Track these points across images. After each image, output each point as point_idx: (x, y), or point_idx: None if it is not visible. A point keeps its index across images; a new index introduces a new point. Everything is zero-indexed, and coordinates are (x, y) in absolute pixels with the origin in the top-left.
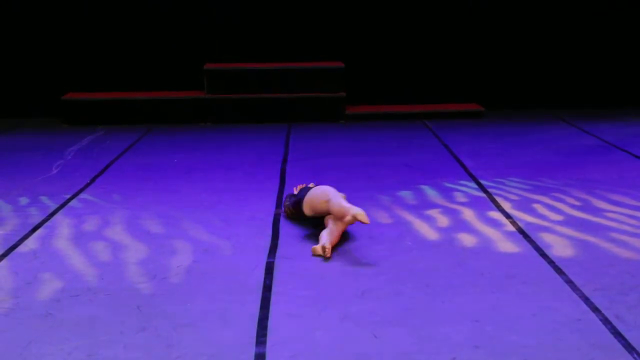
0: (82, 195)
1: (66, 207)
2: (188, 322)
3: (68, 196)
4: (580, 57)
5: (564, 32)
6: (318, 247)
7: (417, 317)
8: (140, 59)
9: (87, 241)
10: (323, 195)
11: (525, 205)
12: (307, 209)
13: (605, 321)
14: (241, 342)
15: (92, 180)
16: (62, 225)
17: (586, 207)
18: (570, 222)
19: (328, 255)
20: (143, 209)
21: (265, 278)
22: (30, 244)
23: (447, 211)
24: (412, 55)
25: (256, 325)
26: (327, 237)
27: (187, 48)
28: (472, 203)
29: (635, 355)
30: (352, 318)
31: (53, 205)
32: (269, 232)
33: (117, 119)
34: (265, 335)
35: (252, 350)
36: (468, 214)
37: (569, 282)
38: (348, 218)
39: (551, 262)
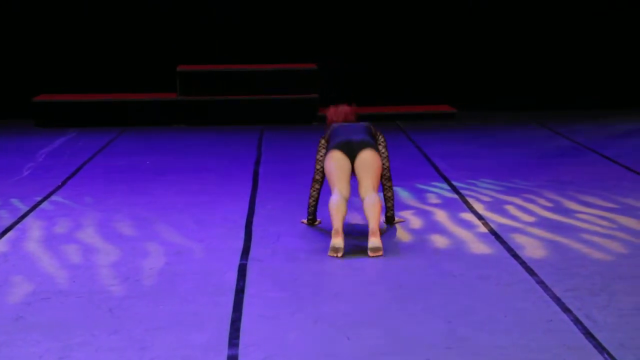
0: (54, 198)
1: (37, 209)
2: (161, 325)
3: (39, 198)
4: (552, 60)
5: (535, 35)
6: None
7: (390, 318)
8: (112, 60)
9: (58, 244)
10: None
11: (497, 206)
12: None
13: (577, 321)
14: (214, 344)
15: (64, 182)
16: (33, 227)
17: (558, 209)
18: (542, 223)
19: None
20: (115, 211)
21: (238, 280)
22: (1, 246)
23: (420, 213)
24: (384, 57)
25: (229, 327)
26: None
27: (159, 50)
28: (445, 204)
29: (606, 356)
30: (325, 319)
31: (24, 208)
32: (242, 234)
33: (90, 120)
34: (238, 337)
35: (225, 352)
36: (440, 216)
37: (541, 283)
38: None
39: (523, 263)
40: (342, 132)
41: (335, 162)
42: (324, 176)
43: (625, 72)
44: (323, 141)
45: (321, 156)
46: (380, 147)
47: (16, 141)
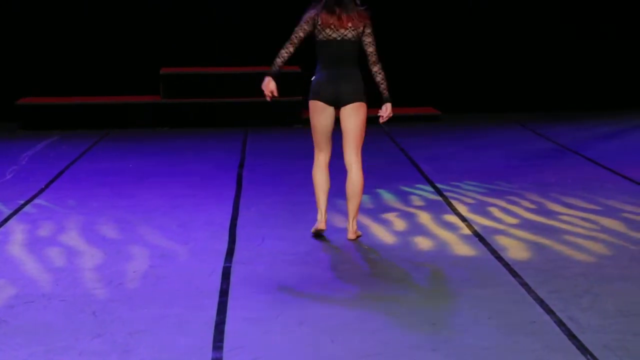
0: (37, 201)
1: (20, 212)
2: (144, 328)
3: (22, 202)
4: (535, 63)
5: (518, 39)
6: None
7: (374, 320)
8: (96, 63)
9: (41, 247)
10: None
11: (480, 208)
12: None
13: (560, 323)
14: (198, 347)
15: (47, 185)
16: (16, 231)
17: (541, 210)
18: (525, 225)
19: None
20: (99, 214)
21: (222, 283)
22: None
23: (404, 215)
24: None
25: (213, 330)
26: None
27: (143, 53)
28: (429, 207)
29: (589, 357)
30: (309, 322)
31: (7, 211)
32: (226, 237)
33: (73, 123)
34: (222, 340)
35: (209, 355)
36: (424, 218)
37: (524, 285)
38: None
39: (506, 265)
40: (327, 61)
41: (318, 121)
42: (300, 41)
43: (606, 76)
44: (310, 21)
45: (304, 23)
46: (366, 39)
47: None
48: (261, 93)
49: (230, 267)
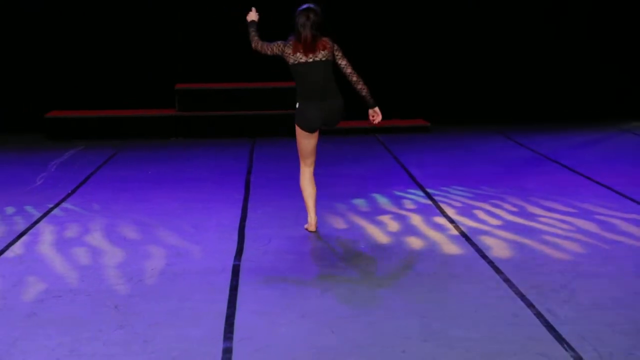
0: (64, 205)
1: (49, 215)
2: (162, 320)
3: (51, 205)
4: (517, 78)
5: (502, 53)
6: None
7: (371, 314)
8: (117, 80)
9: (68, 247)
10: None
11: (467, 211)
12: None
13: (539, 315)
14: (210, 338)
15: (73, 190)
16: (46, 232)
17: (522, 213)
18: (507, 226)
19: None
20: (120, 216)
21: (232, 279)
22: (16, 249)
23: (397, 217)
24: (364, 74)
25: (224, 322)
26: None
27: (160, 70)
28: (420, 209)
29: (565, 346)
30: (312, 315)
31: (37, 214)
32: (235, 237)
33: (97, 134)
34: (232, 331)
35: (220, 345)
36: (416, 220)
37: (507, 281)
38: None
39: (491, 263)
40: (306, 86)
41: (303, 144)
42: (269, 47)
43: (581, 88)
44: (281, 46)
45: (273, 46)
46: (341, 62)
47: (29, 154)
48: (267, 107)
49: (239, 264)
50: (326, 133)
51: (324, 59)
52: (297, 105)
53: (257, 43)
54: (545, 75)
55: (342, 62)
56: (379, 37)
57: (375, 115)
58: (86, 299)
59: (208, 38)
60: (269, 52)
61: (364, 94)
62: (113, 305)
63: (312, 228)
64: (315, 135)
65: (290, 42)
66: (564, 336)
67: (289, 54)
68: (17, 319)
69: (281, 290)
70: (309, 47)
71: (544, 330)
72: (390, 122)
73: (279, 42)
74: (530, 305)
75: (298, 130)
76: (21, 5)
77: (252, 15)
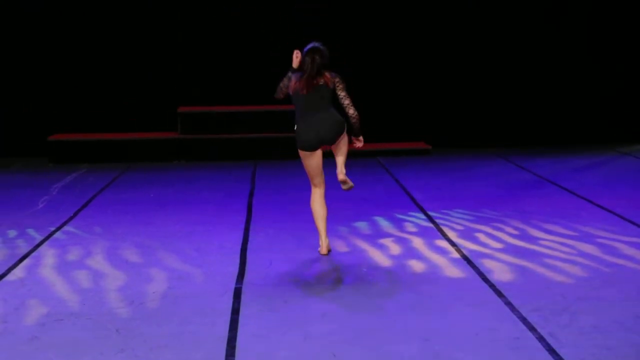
0: (66, 228)
1: (51, 238)
2: (163, 344)
3: (53, 229)
4: (518, 100)
5: (503, 77)
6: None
7: (372, 337)
8: (119, 103)
9: (70, 270)
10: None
11: (468, 234)
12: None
13: (541, 339)
14: None
15: (76, 213)
16: (47, 255)
17: (523, 236)
18: (509, 249)
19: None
20: (122, 239)
21: (233, 302)
22: (18, 272)
23: (399, 240)
24: (366, 98)
25: (225, 346)
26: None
27: (162, 94)
28: (421, 232)
29: None
30: (313, 338)
31: (39, 237)
32: (237, 260)
33: (99, 157)
34: (233, 354)
35: None
36: (417, 243)
37: (508, 304)
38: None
39: (492, 286)
40: (303, 109)
41: (308, 165)
42: (279, 94)
43: (582, 112)
44: (286, 82)
45: (283, 84)
46: (340, 93)
47: (32, 177)
48: (270, 130)
49: (241, 287)
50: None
51: (321, 87)
52: (295, 128)
53: (277, 94)
54: (545, 99)
55: (341, 94)
56: (381, 61)
57: (358, 142)
58: (87, 322)
59: (210, 62)
60: (282, 96)
61: (353, 121)
62: (114, 329)
63: (323, 251)
64: (318, 154)
65: (292, 77)
66: (565, 359)
67: (290, 86)
68: (19, 343)
69: (283, 313)
70: (309, 85)
71: (545, 353)
72: (392, 145)
73: (285, 81)
74: (531, 328)
75: (300, 152)
76: (25, 28)
77: (295, 62)
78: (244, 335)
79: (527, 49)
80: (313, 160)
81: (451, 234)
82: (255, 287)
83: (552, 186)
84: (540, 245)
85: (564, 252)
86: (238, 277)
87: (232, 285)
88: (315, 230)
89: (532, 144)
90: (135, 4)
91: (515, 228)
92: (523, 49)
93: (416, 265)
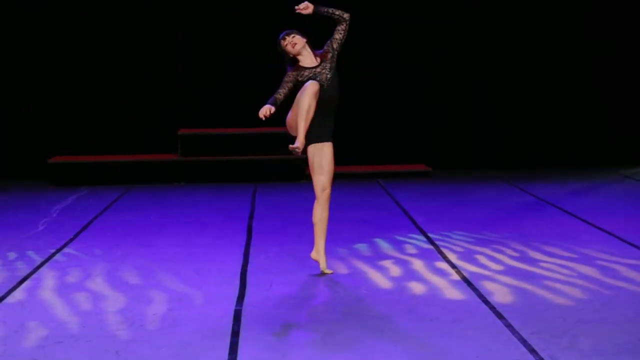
0: (66, 250)
1: (51, 260)
2: None
3: (53, 251)
4: (520, 123)
5: (504, 99)
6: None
7: (373, 359)
8: (120, 125)
9: (70, 292)
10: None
11: (468, 256)
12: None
13: None
14: None
15: (75, 235)
16: (47, 277)
17: (523, 258)
18: (509, 271)
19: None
20: (122, 261)
21: (233, 324)
22: (18, 295)
23: (399, 262)
24: (366, 121)
25: None
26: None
27: (162, 116)
28: (421, 254)
29: None
30: None
31: (39, 259)
32: (237, 282)
33: (99, 179)
34: None
35: None
36: (417, 264)
37: (509, 326)
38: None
39: (492, 308)
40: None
41: (312, 161)
42: (287, 92)
43: (582, 135)
44: (292, 77)
45: (286, 82)
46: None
47: (32, 199)
48: (268, 151)
49: (241, 310)
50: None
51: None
52: None
53: (280, 91)
54: (547, 121)
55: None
56: (380, 82)
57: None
58: (87, 344)
59: (210, 84)
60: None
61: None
62: (114, 351)
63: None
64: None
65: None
66: None
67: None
68: None
69: (283, 336)
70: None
71: None
72: (392, 167)
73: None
74: (532, 350)
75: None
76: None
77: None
78: (244, 358)
79: (530, 70)
80: (314, 158)
81: (451, 256)
82: (255, 310)
83: (552, 208)
84: (541, 268)
85: (564, 275)
86: (238, 299)
87: (232, 308)
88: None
89: (533, 166)
90: (137, 24)
91: (516, 250)
92: (525, 71)
93: (416, 287)
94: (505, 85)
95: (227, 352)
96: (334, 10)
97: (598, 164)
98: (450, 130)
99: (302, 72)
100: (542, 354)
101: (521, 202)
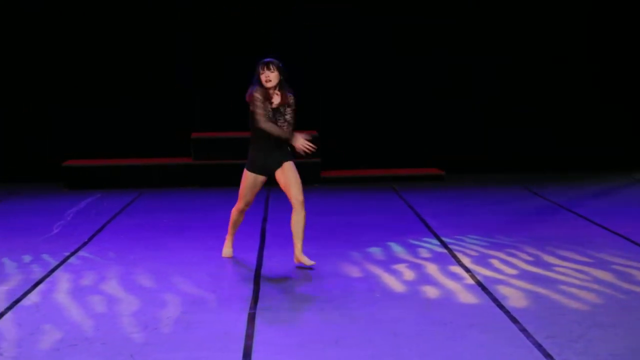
0: (81, 253)
1: (66, 263)
2: None
3: (67, 254)
4: (533, 126)
5: (518, 103)
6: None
7: None
8: (133, 129)
9: (84, 295)
10: None
11: (483, 260)
12: None
13: None
14: None
15: (90, 238)
16: (62, 280)
17: (537, 262)
18: (523, 275)
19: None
20: (136, 264)
21: (247, 327)
22: (33, 297)
23: (413, 266)
24: (380, 125)
25: None
26: None
27: (175, 120)
28: (435, 258)
29: None
30: None
31: (54, 262)
32: (251, 285)
33: (113, 183)
34: None
35: None
36: (431, 268)
37: (523, 331)
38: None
39: (507, 312)
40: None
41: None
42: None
43: (597, 138)
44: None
45: (260, 107)
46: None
47: (47, 202)
48: None
49: (254, 313)
50: (341, 182)
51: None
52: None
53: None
54: (561, 125)
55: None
56: (396, 89)
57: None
58: (101, 347)
59: (223, 87)
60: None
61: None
62: (128, 354)
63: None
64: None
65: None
66: None
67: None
68: None
69: (296, 338)
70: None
71: None
72: (405, 171)
73: (260, 100)
74: (547, 355)
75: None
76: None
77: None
78: None
79: (543, 74)
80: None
81: (465, 260)
82: (269, 313)
83: (566, 213)
84: (555, 272)
85: (578, 279)
86: (252, 302)
87: (246, 311)
88: (330, 255)
89: (547, 170)
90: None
91: (530, 254)
92: (539, 75)
93: (430, 291)
94: (518, 89)
95: (241, 355)
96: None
97: (612, 167)
98: (463, 134)
99: (267, 104)
100: (557, 359)
101: (535, 206)
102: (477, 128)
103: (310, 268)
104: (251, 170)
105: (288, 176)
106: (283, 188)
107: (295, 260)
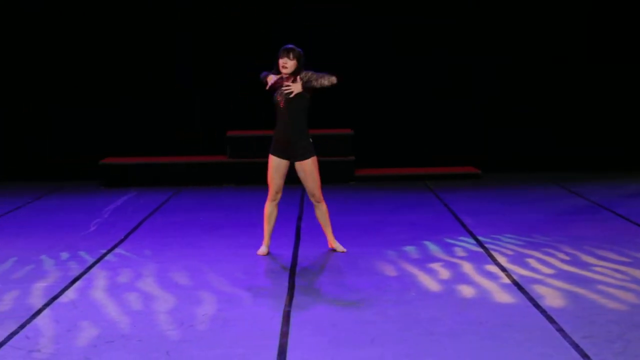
0: (117, 250)
1: (102, 261)
2: None
3: (104, 251)
4: (571, 125)
5: (555, 101)
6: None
7: None
8: (169, 128)
9: (121, 292)
10: None
11: (519, 259)
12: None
13: None
14: None
15: (126, 236)
16: (99, 277)
17: (575, 262)
18: (560, 275)
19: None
20: (172, 262)
21: (282, 325)
22: (70, 294)
23: (448, 265)
24: (415, 123)
25: None
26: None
27: (211, 119)
28: (471, 257)
29: None
30: None
31: (91, 260)
32: (286, 283)
33: (149, 181)
34: None
35: None
36: (467, 267)
37: (560, 331)
38: None
39: (543, 312)
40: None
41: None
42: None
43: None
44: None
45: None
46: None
47: (85, 200)
48: (317, 154)
49: (290, 311)
50: (375, 181)
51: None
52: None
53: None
54: (598, 123)
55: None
56: (432, 88)
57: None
58: (138, 344)
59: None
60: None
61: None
62: (165, 351)
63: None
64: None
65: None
66: None
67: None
68: None
69: (331, 337)
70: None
71: None
72: (441, 170)
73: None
74: (584, 355)
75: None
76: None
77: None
78: (293, 358)
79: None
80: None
81: (501, 259)
82: (304, 311)
83: (605, 212)
84: (593, 272)
85: (617, 279)
86: (287, 300)
87: (281, 309)
88: (366, 254)
89: (585, 169)
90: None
91: (567, 254)
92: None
93: (466, 290)
94: (556, 86)
95: (276, 352)
96: (322, 82)
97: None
98: (499, 132)
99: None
100: (595, 359)
101: (572, 205)
102: (514, 127)
103: (343, 251)
104: (273, 153)
105: (306, 172)
106: (302, 182)
107: (329, 246)
